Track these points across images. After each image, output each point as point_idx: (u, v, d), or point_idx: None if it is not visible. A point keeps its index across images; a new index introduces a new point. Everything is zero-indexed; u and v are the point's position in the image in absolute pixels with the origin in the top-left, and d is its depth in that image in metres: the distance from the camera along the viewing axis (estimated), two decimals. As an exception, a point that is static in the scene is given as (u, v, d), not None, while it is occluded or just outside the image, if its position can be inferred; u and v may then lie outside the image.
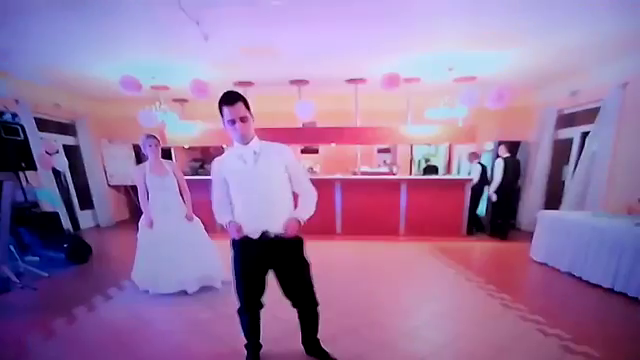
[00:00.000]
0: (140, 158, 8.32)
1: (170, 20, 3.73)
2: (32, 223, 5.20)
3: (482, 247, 6.05)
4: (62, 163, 6.33)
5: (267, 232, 2.09)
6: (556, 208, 6.00)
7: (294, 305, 2.33)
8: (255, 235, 2.09)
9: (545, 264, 4.76)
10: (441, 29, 4.17)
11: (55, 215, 5.69)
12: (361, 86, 6.45)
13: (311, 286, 2.30)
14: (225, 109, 1.99)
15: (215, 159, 2.24)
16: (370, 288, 4.05)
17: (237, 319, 2.36)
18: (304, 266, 2.25)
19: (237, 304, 2.31)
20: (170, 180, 3.74)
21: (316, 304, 2.34)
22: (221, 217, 2.19)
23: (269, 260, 2.19)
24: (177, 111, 7.20)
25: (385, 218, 6.71)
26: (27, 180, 5.62)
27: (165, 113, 6.57)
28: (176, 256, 3.68)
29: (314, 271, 2.32)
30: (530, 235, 5.33)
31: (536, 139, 6.82)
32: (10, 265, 4.24)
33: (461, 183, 6.53)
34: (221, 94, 2.01)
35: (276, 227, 2.07)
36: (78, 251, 5.16)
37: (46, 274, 4.43)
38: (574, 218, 4.46)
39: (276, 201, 2.12)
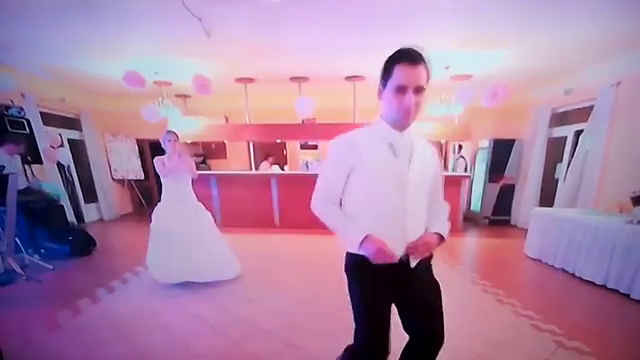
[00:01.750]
0: (143, 152, 8.33)
1: (173, 17, 3.69)
2: (37, 217, 5.13)
3: (477, 243, 6.03)
4: (66, 157, 6.30)
5: (407, 257, 1.51)
6: (550, 205, 5.99)
7: (416, 336, 1.70)
8: (393, 259, 1.43)
9: (539, 260, 4.74)
10: (438, 28, 4.15)
11: (60, 208, 5.64)
12: (359, 83, 6.37)
13: (441, 310, 1.66)
14: (398, 69, 1.35)
15: (340, 137, 1.52)
16: None
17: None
18: (438, 287, 1.67)
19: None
20: (184, 174, 3.77)
21: (443, 328, 1.67)
22: (343, 225, 1.52)
23: (399, 289, 1.57)
24: (180, 106, 7.12)
25: None
26: (33, 173, 5.57)
27: (168, 108, 6.50)
28: (188, 247, 3.69)
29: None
30: (525, 232, 5.31)
31: (530, 137, 6.76)
32: (15, 257, 4.20)
33: (457, 180, 6.47)
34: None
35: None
36: (82, 244, 5.14)
37: (51, 267, 4.40)
38: (567, 215, 4.42)
39: (420, 217, 1.54)
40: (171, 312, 3.25)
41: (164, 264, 3.71)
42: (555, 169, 6.58)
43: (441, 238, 1.53)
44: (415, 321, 1.63)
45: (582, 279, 4.02)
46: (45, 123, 6.18)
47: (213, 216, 4.05)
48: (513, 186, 7.15)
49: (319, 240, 5.82)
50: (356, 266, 1.54)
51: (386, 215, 1.47)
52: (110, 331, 2.89)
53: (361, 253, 1.44)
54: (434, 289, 1.64)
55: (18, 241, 4.46)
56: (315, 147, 8.29)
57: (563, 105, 6.20)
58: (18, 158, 4.80)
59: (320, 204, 1.59)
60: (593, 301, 3.55)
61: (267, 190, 6.79)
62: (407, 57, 1.34)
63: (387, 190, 1.45)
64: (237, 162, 8.45)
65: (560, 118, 6.40)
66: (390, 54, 1.39)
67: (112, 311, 3.27)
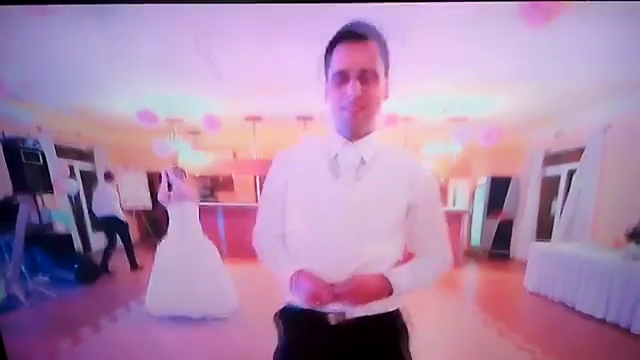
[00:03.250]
0: (153, 184, 8.45)
1: (186, 59, 3.92)
2: (45, 244, 5.21)
3: (477, 276, 6.08)
4: (74, 188, 6.45)
5: (345, 312, 1.03)
6: (547, 239, 6.10)
7: None
8: (327, 309, 1.03)
9: (538, 293, 4.76)
10: (435, 74, 4.40)
11: (68, 236, 5.68)
12: None
13: None
14: (337, 52, 0.98)
15: (281, 151, 1.19)
16: None
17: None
18: None
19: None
20: (189, 206, 3.82)
21: None
22: (275, 257, 1.15)
23: (342, 355, 1.06)
24: (190, 141, 7.37)
25: None
26: (43, 202, 5.68)
27: (178, 143, 6.75)
28: (190, 280, 3.66)
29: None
30: (524, 265, 5.34)
31: (526, 175, 6.98)
32: (20, 284, 4.22)
33: (457, 215, 6.57)
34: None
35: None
36: (87, 271, 5.16)
37: (54, 295, 4.40)
38: (564, 250, 4.54)
39: (374, 260, 1.04)
40: (173, 343, 3.23)
41: (164, 300, 3.70)
42: (551, 206, 6.71)
43: (387, 286, 1.01)
44: None
45: (582, 313, 4.03)
46: (59, 155, 6.38)
47: (218, 247, 4.04)
48: (511, 221, 7.26)
49: None
50: (283, 315, 1.16)
51: (319, 249, 1.04)
52: None
53: (292, 298, 1.09)
54: None
55: (23, 268, 4.46)
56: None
57: (555, 146, 6.46)
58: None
59: (255, 236, 1.23)
60: (594, 335, 3.57)
61: None
62: (347, 35, 0.97)
63: (322, 217, 1.03)
64: (244, 194, 8.54)
65: (553, 158, 6.63)
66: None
67: (113, 340, 3.26)
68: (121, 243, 6.24)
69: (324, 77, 1.05)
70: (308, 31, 3.31)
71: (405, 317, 1.14)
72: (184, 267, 3.66)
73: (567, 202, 5.81)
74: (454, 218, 6.57)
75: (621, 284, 3.64)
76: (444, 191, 8.62)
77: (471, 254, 7.54)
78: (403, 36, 3.28)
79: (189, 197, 3.82)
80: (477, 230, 7.59)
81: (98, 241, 7.64)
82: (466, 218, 6.89)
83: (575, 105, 5.43)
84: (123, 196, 8.12)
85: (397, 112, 5.75)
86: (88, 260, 5.46)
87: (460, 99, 5.30)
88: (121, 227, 6.05)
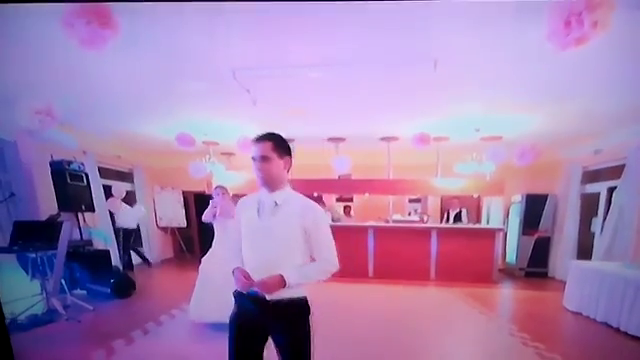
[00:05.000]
0: (187, 203, 8.79)
1: (224, 88, 4.20)
2: (84, 259, 5.54)
3: (513, 294, 6.13)
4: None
5: (257, 292, 1.71)
6: (588, 258, 6.07)
7: None
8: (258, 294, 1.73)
9: (579, 313, 4.72)
10: (468, 95, 4.52)
11: (106, 253, 5.96)
12: (393, 143, 6.87)
13: None
14: (253, 145, 1.80)
15: (240, 199, 1.98)
16: (400, 331, 4.10)
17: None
18: (303, 341, 1.84)
19: None
20: (231, 222, 4.02)
21: None
22: (230, 259, 1.90)
23: (267, 324, 1.81)
24: (224, 163, 7.79)
25: (416, 264, 6.84)
26: (84, 220, 6.11)
27: (213, 164, 7.12)
28: (226, 289, 3.87)
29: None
30: (563, 284, 5.34)
31: (563, 193, 7.00)
32: (59, 298, 4.50)
33: (491, 232, 6.54)
34: None
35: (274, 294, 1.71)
36: (123, 286, 5.43)
37: (91, 307, 4.67)
38: (606, 268, 4.55)
39: (282, 265, 1.72)
40: (204, 354, 3.35)
41: (200, 303, 3.95)
42: (591, 223, 6.69)
43: (282, 280, 1.67)
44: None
45: (628, 334, 3.98)
46: (102, 176, 6.86)
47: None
48: (548, 238, 7.24)
49: (353, 288, 6.13)
50: (234, 293, 1.88)
51: (248, 260, 1.81)
52: None
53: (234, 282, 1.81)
54: (299, 338, 1.82)
55: (63, 282, 4.78)
56: (351, 199, 8.70)
57: (594, 164, 6.46)
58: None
59: (229, 249, 1.98)
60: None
61: None
62: (259, 137, 1.80)
63: (250, 241, 1.81)
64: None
65: (592, 175, 6.65)
66: None
67: (145, 353, 3.43)
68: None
69: None
70: (336, 60, 3.61)
71: (305, 303, 1.83)
72: (228, 278, 3.85)
73: (608, 220, 5.81)
74: (488, 235, 6.67)
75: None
76: (477, 209, 8.53)
77: (506, 272, 7.52)
78: (434, 61, 3.49)
79: (232, 214, 4.00)
80: (512, 248, 7.58)
81: (135, 257, 7.96)
82: (501, 235, 6.85)
83: (614, 122, 5.41)
84: (158, 214, 8.48)
85: (429, 132, 5.91)
86: (124, 275, 5.79)
87: (493, 119, 5.42)
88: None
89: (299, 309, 1.82)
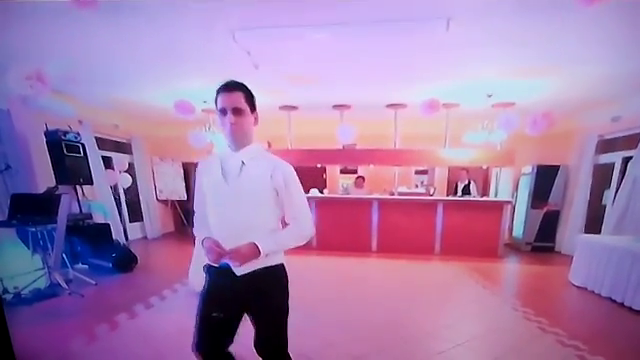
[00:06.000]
0: (188, 175, 8.66)
1: (223, 50, 4.07)
2: (85, 233, 5.55)
3: (519, 269, 6.11)
4: (126, 181, 6.96)
5: (228, 265, 1.61)
6: (597, 232, 6.00)
7: (259, 354, 1.82)
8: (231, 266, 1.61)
9: (585, 288, 4.74)
10: (480, 58, 4.34)
11: (106, 226, 5.90)
12: (401, 111, 6.69)
13: (284, 339, 1.78)
14: (219, 96, 1.60)
15: (199, 163, 1.81)
16: (403, 306, 4.13)
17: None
18: (277, 308, 1.73)
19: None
20: None
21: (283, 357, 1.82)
22: (198, 230, 1.77)
23: (241, 299, 1.68)
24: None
25: (421, 238, 6.83)
26: (83, 193, 6.09)
27: (214, 134, 6.96)
28: None
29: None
30: (569, 259, 5.33)
31: (576, 163, 6.85)
32: (61, 272, 4.55)
33: (499, 205, 6.48)
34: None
35: (248, 265, 1.60)
36: (124, 260, 5.46)
37: (93, 282, 4.73)
38: (615, 243, 4.50)
39: (253, 230, 1.61)
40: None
41: (199, 272, 3.89)
42: (602, 195, 6.57)
43: (256, 249, 1.56)
44: (256, 335, 1.77)
45: (632, 309, 4.00)
46: (99, 147, 6.75)
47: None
48: (558, 212, 7.17)
49: (356, 262, 6.14)
50: (204, 266, 1.76)
51: (216, 227, 1.65)
52: (145, 346, 3.04)
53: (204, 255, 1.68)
54: (275, 308, 1.73)
55: (64, 256, 4.83)
56: (355, 171, 8.61)
57: (610, 132, 6.29)
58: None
59: (195, 219, 1.81)
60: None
61: None
62: (224, 86, 1.60)
63: (217, 206, 1.66)
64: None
65: (607, 145, 6.49)
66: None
67: (148, 327, 3.45)
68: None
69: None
70: (342, 20, 3.43)
71: (283, 272, 1.74)
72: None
73: (620, 191, 5.70)
74: (495, 208, 6.60)
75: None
76: (485, 181, 8.40)
77: (512, 246, 7.51)
78: (447, 20, 3.32)
79: None
80: (520, 221, 7.52)
81: (135, 231, 7.90)
82: (508, 209, 6.78)
83: (636, 87, 5.19)
84: (158, 187, 8.39)
85: (438, 98, 5.69)
86: (125, 249, 5.76)
87: (506, 84, 5.24)
88: None
89: (276, 278, 1.72)
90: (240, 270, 1.60)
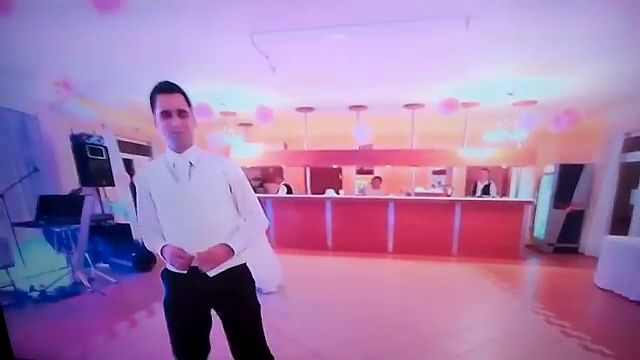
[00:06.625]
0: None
1: (242, 54, 4.11)
2: (106, 234, 5.73)
3: (540, 271, 6.02)
4: None
5: (197, 268, 1.56)
6: (624, 233, 5.81)
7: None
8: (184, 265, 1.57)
9: (610, 291, 4.59)
10: (500, 56, 4.27)
11: (127, 227, 6.03)
12: (418, 110, 6.64)
13: (262, 338, 1.78)
14: (159, 98, 1.56)
15: (141, 169, 1.77)
16: (419, 307, 4.10)
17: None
18: (251, 308, 1.73)
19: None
20: None
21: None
22: (152, 241, 1.66)
23: (204, 300, 1.67)
24: (242, 134, 7.77)
25: (438, 239, 6.76)
26: (105, 194, 6.25)
27: (231, 136, 7.07)
28: None
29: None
30: (594, 260, 5.18)
31: (602, 162, 6.65)
32: (84, 271, 4.73)
33: (520, 205, 6.40)
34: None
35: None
36: (144, 260, 5.55)
37: (114, 280, 4.86)
38: None
39: (215, 230, 1.62)
40: (220, 329, 3.37)
41: None
42: (630, 195, 6.34)
43: (229, 250, 1.57)
44: (231, 341, 1.76)
45: None
46: (121, 150, 6.89)
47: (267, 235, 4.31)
48: (582, 212, 6.98)
49: (371, 263, 6.10)
50: (163, 274, 1.72)
51: (174, 232, 1.62)
52: (163, 343, 3.06)
53: (168, 263, 1.64)
54: (247, 309, 1.72)
55: (87, 256, 5.00)
56: (371, 172, 8.58)
57: (638, 129, 6.07)
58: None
59: (142, 229, 1.75)
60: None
61: (321, 213, 7.12)
62: (162, 88, 1.57)
63: (171, 211, 1.62)
64: (294, 186, 8.62)
65: (635, 142, 6.28)
66: (151, 89, 1.60)
67: (166, 325, 3.46)
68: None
69: (153, 113, 1.60)
70: (360, 21, 3.42)
71: (248, 269, 1.75)
72: None
73: None
74: (516, 209, 6.48)
75: None
76: (505, 180, 8.24)
77: (533, 247, 7.37)
78: (467, 18, 3.27)
79: None
80: (542, 222, 7.35)
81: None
82: (529, 209, 6.66)
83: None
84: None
85: (457, 97, 5.62)
86: (145, 249, 5.71)
87: (528, 81, 5.10)
88: None
89: (243, 278, 1.73)
90: (213, 271, 1.59)
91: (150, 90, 1.58)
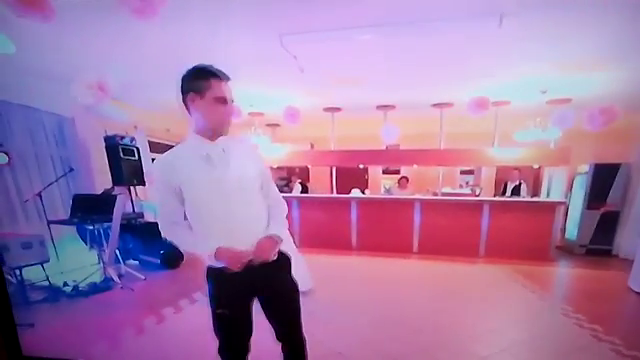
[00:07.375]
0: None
1: (270, 55, 4.15)
2: (136, 231, 5.88)
3: (572, 273, 5.87)
4: None
5: (252, 261, 1.55)
6: None
7: (278, 338, 1.83)
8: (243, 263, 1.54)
9: None
10: (533, 54, 4.18)
11: (155, 225, 6.12)
12: (447, 110, 6.58)
13: (299, 315, 1.80)
14: (215, 83, 1.52)
15: (159, 159, 1.65)
16: (444, 308, 4.06)
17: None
18: (294, 290, 1.78)
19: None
20: None
21: (302, 340, 1.85)
22: (186, 241, 1.67)
23: (253, 290, 1.68)
24: (269, 134, 7.89)
25: (465, 239, 6.65)
26: (136, 194, 6.44)
27: (259, 137, 7.18)
28: None
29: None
30: (629, 263, 5.00)
31: (638, 161, 6.43)
32: (114, 267, 4.89)
33: (551, 206, 6.29)
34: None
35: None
36: (171, 257, 5.66)
37: (143, 277, 4.97)
38: None
39: (259, 218, 1.64)
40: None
41: None
42: None
43: (277, 238, 1.60)
44: (271, 317, 1.77)
45: None
46: (151, 150, 7.08)
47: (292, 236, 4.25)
48: (617, 213, 6.74)
49: (396, 263, 6.10)
50: (209, 271, 1.65)
51: (218, 223, 1.56)
52: (188, 338, 3.20)
53: (220, 265, 1.56)
54: (289, 287, 1.76)
55: (118, 253, 5.14)
56: (398, 172, 8.56)
57: None
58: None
59: (164, 228, 1.68)
60: None
61: (346, 213, 7.10)
62: (223, 75, 1.54)
63: (213, 201, 1.54)
64: (320, 186, 8.83)
65: None
66: (196, 68, 1.56)
67: (192, 321, 3.61)
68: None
69: (195, 94, 1.54)
70: (389, 20, 3.41)
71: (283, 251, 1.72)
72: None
73: None
74: (547, 209, 6.33)
75: None
76: (536, 180, 8.04)
77: (565, 249, 7.15)
78: (500, 16, 3.22)
79: None
80: (574, 223, 7.13)
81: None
82: (561, 210, 6.49)
83: None
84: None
85: (488, 96, 5.52)
86: (173, 247, 5.82)
87: (563, 79, 4.99)
88: None
89: (284, 258, 1.72)
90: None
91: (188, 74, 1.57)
